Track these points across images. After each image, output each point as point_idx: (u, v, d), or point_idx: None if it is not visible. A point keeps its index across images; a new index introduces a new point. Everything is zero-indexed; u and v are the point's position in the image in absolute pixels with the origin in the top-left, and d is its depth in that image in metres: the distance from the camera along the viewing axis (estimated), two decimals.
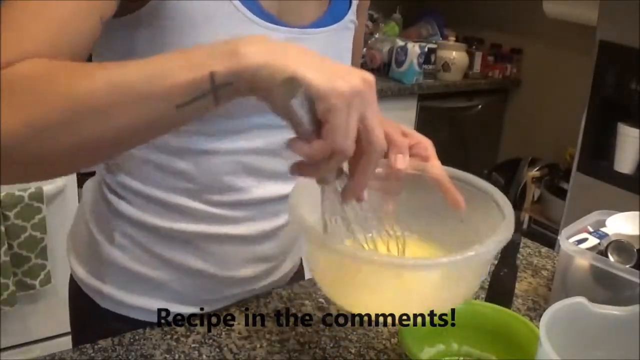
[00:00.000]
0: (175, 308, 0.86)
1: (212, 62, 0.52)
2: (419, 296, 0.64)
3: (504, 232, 0.64)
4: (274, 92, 0.52)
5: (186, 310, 0.87)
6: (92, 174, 0.89)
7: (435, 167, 0.73)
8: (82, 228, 0.89)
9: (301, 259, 1.03)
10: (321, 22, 0.81)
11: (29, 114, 0.51)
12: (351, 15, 0.86)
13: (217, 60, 0.52)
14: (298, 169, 0.57)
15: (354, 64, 0.95)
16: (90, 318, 0.90)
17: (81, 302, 0.90)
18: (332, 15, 0.82)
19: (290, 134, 0.60)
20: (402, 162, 0.69)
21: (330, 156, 0.53)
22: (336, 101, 0.50)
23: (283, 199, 0.84)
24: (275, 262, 0.92)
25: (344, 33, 0.85)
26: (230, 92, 0.53)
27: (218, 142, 0.77)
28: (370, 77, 0.54)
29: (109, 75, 0.53)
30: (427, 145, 0.76)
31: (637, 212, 1.01)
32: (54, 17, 0.58)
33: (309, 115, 0.52)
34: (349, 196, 0.60)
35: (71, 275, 0.92)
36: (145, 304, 0.86)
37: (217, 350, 0.80)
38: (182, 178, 0.78)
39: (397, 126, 0.74)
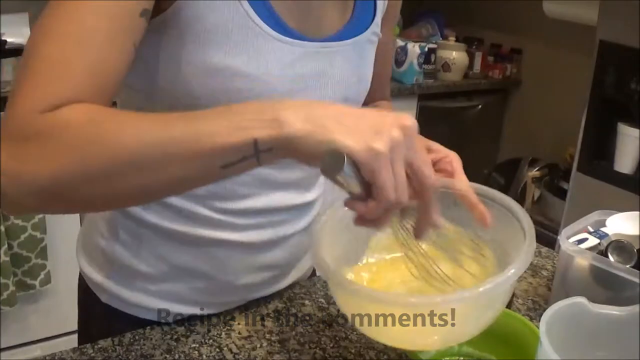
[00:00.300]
0: (176, 308, 0.86)
1: (256, 127, 0.53)
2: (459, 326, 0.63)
3: (527, 255, 0.63)
4: (317, 159, 0.53)
5: (186, 310, 0.87)
6: None
7: (462, 182, 0.73)
8: (90, 223, 0.89)
9: (313, 269, 1.03)
10: (342, 35, 0.79)
11: (69, 162, 0.53)
12: (374, 27, 0.84)
13: (260, 126, 0.53)
14: (361, 223, 0.58)
15: (382, 75, 0.96)
16: (93, 313, 0.90)
17: (86, 296, 0.90)
18: (354, 28, 0.81)
19: None
20: None
21: (387, 209, 0.55)
22: (377, 163, 0.52)
23: (290, 208, 0.85)
24: (279, 271, 0.91)
25: (365, 46, 0.83)
26: (273, 156, 0.54)
27: None
28: (409, 121, 0.54)
29: (156, 131, 0.54)
30: (452, 159, 0.76)
31: (637, 212, 1.01)
32: (91, 55, 0.58)
33: (357, 178, 0.54)
34: (421, 233, 0.62)
35: (80, 271, 0.92)
36: (146, 301, 0.86)
37: (217, 350, 0.81)
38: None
39: (423, 142, 0.75)
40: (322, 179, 0.92)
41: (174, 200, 0.79)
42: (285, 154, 0.54)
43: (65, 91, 0.57)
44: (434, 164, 0.72)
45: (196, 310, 0.87)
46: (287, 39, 0.72)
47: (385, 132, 0.52)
